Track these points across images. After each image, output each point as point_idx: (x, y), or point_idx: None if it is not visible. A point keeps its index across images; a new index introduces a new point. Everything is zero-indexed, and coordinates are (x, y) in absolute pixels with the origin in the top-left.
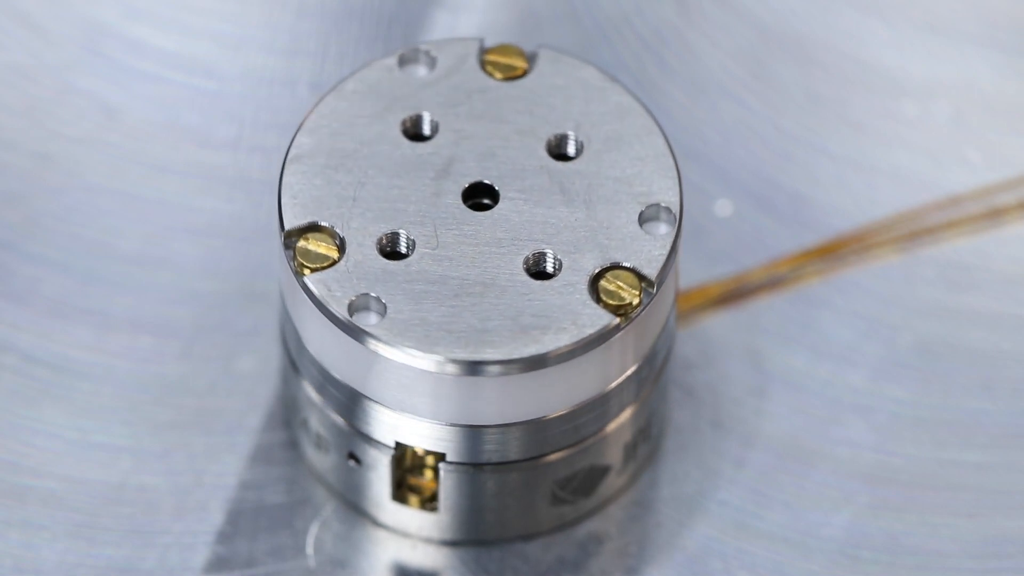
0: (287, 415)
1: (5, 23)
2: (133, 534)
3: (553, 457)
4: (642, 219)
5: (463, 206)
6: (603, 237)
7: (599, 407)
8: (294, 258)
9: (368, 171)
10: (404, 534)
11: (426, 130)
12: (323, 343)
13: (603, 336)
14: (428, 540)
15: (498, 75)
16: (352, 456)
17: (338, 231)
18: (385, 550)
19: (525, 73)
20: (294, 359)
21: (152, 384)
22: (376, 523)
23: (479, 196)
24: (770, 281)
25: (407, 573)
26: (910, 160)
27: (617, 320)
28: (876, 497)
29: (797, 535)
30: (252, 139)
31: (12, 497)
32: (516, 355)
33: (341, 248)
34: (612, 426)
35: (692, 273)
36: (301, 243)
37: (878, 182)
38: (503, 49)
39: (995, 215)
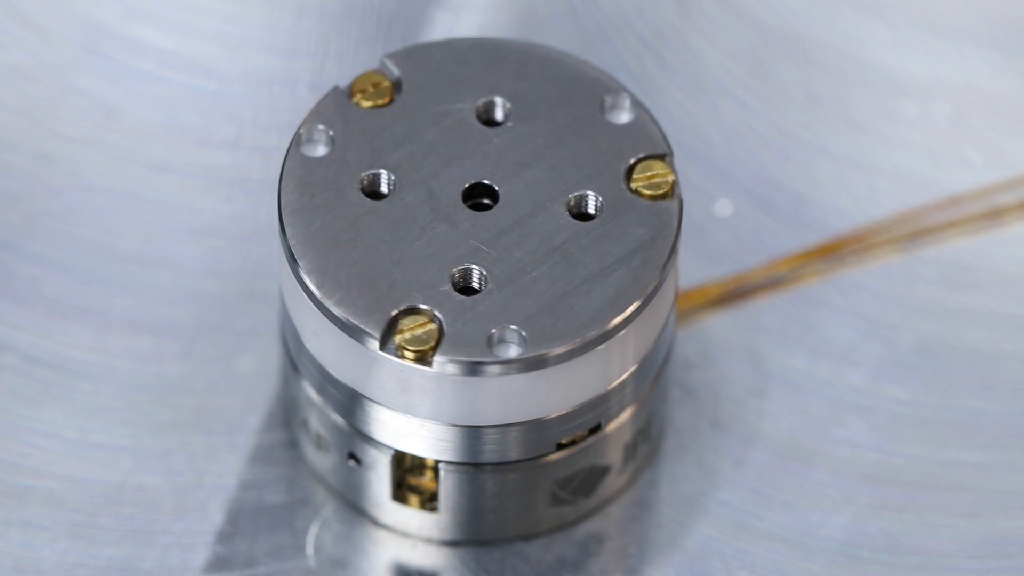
0: (287, 415)
1: (5, 23)
2: (133, 534)
3: (553, 457)
4: (606, 113)
5: (478, 214)
6: (600, 151)
7: (599, 407)
8: (400, 352)
9: (379, 246)
10: (404, 534)
11: (386, 186)
12: (323, 343)
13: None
14: (428, 540)
15: (370, 103)
16: (352, 456)
17: (418, 305)
18: (385, 550)
19: (395, 88)
20: (294, 359)
21: (152, 384)
22: (376, 523)
23: (478, 197)
24: (770, 281)
25: (407, 573)
26: (910, 160)
27: (677, 201)
28: (876, 497)
29: (797, 535)
30: (252, 139)
31: (12, 497)
32: (633, 301)
33: (434, 317)
34: (612, 426)
35: (692, 273)
36: (399, 338)
37: (878, 182)
38: (361, 80)
39: (995, 215)
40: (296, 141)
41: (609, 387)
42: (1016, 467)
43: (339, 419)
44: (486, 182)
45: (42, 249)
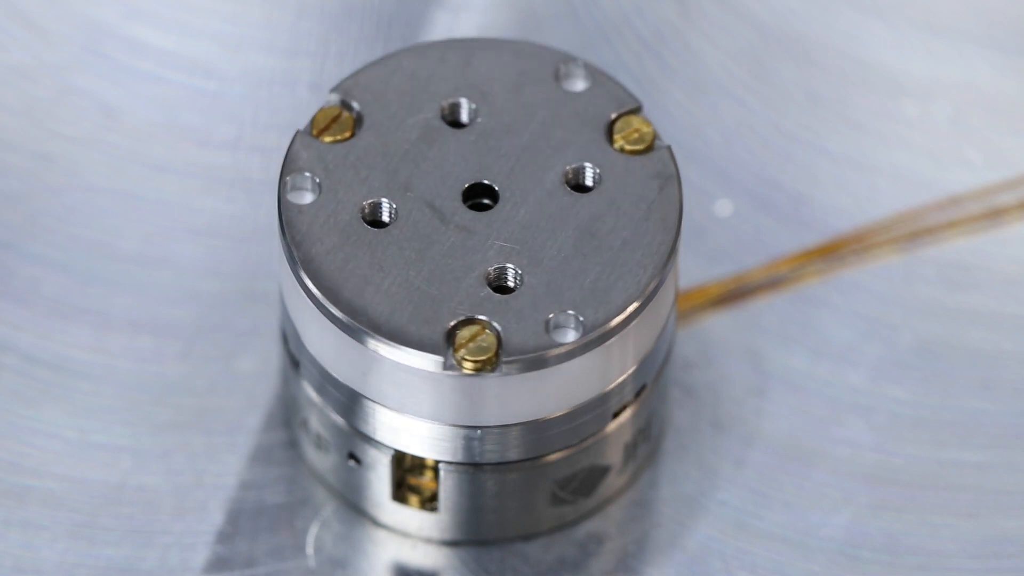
0: (287, 415)
1: (5, 23)
2: (133, 534)
3: (553, 457)
4: (563, 83)
5: (486, 214)
6: (575, 121)
7: (599, 407)
8: (463, 365)
9: (406, 270)
10: (404, 534)
11: (387, 214)
12: (323, 343)
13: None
14: (428, 540)
15: (336, 138)
16: (352, 456)
17: (469, 316)
18: (385, 550)
19: (356, 117)
20: (294, 359)
21: (152, 384)
22: (376, 523)
23: (478, 198)
24: (770, 281)
25: (407, 573)
26: (910, 160)
27: (664, 146)
28: (876, 497)
29: (797, 535)
30: (252, 139)
31: (12, 497)
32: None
33: (487, 324)
34: (612, 426)
35: (692, 273)
36: (462, 352)
37: (878, 182)
38: (320, 119)
39: (995, 215)
40: (282, 191)
41: (609, 387)
42: (1016, 467)
43: (339, 419)
44: (483, 182)
45: (42, 249)
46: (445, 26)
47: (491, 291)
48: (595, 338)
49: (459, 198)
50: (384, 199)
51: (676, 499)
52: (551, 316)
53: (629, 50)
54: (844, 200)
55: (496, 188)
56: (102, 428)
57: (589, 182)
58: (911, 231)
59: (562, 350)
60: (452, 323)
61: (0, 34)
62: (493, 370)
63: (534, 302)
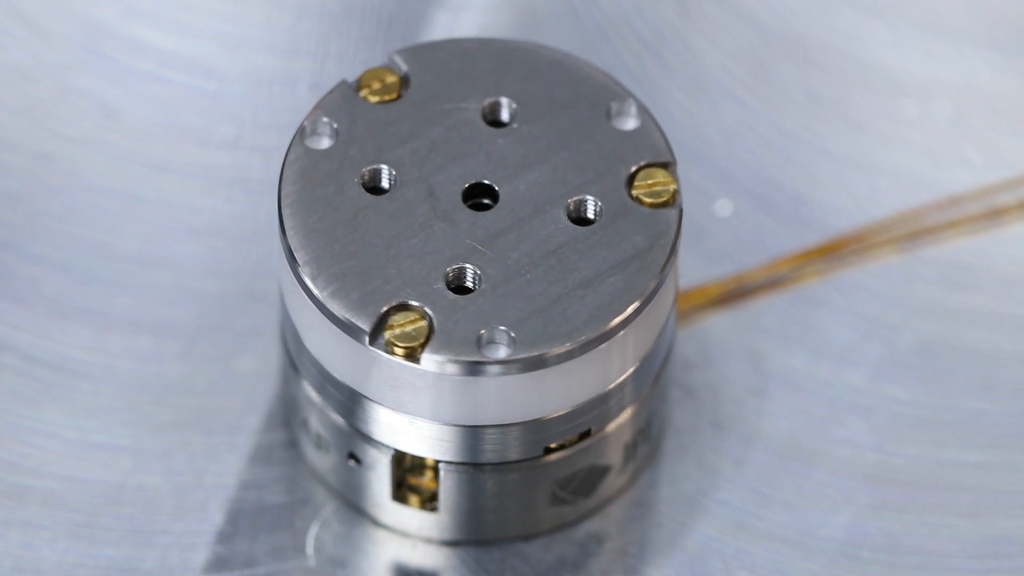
0: (287, 415)
1: (5, 23)
2: (133, 534)
3: (553, 457)
4: (612, 119)
5: (477, 213)
6: (603, 156)
7: (599, 407)
8: (390, 347)
9: (376, 241)
10: (404, 534)
11: (387, 182)
12: (323, 343)
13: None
14: (428, 540)
15: (377, 99)
16: (352, 456)
17: (409, 302)
18: (385, 550)
19: (403, 84)
20: (294, 359)
21: (152, 384)
22: (376, 523)
23: (479, 197)
24: (770, 281)
25: (407, 573)
26: (910, 160)
27: (677, 210)
28: (876, 497)
29: (797, 535)
30: (252, 139)
31: (12, 497)
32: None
33: (424, 314)
34: (612, 426)
35: (692, 273)
36: (388, 333)
37: (878, 182)
38: (369, 75)
39: (995, 215)
40: (300, 133)
41: (609, 387)
42: (1016, 467)
43: (339, 419)
44: (486, 182)
45: (42, 249)
46: (445, 26)
47: (445, 287)
48: (531, 358)
49: (461, 191)
50: (389, 168)
51: (676, 499)
52: (488, 329)
53: (629, 50)
54: (844, 200)
55: (498, 192)
56: (102, 428)
57: (590, 216)
58: (911, 231)
59: (487, 363)
60: (392, 304)
61: (0, 34)
62: (417, 361)
63: (479, 310)
